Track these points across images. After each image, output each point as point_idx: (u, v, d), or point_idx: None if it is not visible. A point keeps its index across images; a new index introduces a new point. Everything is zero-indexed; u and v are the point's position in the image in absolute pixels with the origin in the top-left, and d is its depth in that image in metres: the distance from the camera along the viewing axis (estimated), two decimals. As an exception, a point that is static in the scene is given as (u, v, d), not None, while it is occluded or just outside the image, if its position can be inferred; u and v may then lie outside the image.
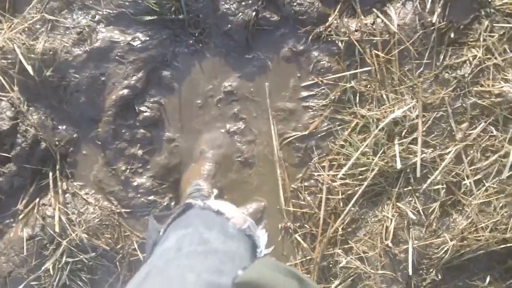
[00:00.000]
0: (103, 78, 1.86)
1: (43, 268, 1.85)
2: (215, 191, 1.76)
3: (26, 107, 1.86)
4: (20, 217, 1.87)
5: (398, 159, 1.75)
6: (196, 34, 1.91)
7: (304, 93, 1.91)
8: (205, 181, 1.81)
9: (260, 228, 1.53)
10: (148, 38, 1.87)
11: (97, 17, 1.88)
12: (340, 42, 1.86)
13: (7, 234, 1.90)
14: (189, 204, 1.13)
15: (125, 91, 1.86)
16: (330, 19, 1.87)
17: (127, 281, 1.85)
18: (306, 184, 1.91)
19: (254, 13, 1.85)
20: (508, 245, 1.78)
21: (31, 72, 1.79)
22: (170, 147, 1.92)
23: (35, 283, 1.87)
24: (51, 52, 1.83)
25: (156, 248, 1.04)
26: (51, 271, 1.85)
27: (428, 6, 1.80)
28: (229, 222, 1.08)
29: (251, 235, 1.12)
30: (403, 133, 1.81)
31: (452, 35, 1.83)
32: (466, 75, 1.81)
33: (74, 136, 1.92)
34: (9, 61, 1.83)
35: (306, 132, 1.90)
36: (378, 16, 1.84)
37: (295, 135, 1.91)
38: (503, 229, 1.79)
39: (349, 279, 1.85)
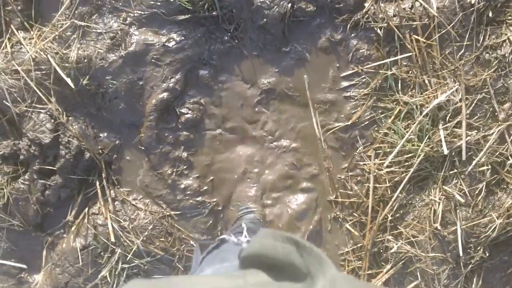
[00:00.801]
0: (141, 83, 1.89)
1: (99, 276, 1.94)
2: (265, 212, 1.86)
3: (66, 117, 1.89)
4: (72, 228, 1.93)
5: (444, 145, 1.82)
6: (231, 30, 1.92)
7: (345, 83, 1.95)
8: (254, 202, 1.89)
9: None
10: (183, 38, 1.88)
11: (129, 19, 1.88)
12: (378, 29, 1.89)
13: (59, 245, 1.97)
14: (223, 239, 1.21)
15: (165, 94, 1.88)
16: (366, 5, 1.89)
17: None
18: (352, 173, 1.98)
19: (290, 5, 1.87)
20: (553, 218, 1.89)
21: (69, 82, 1.80)
22: (214, 145, 1.97)
23: (93, 291, 1.95)
24: (85, 60, 1.84)
25: None
26: (108, 278, 1.93)
27: (467, -14, 1.82)
28: None
29: None
30: (447, 117, 1.88)
31: (490, 14, 1.86)
32: (506, 54, 1.86)
33: (117, 142, 1.96)
34: (44, 72, 1.85)
35: (349, 123, 1.96)
36: (416, 0, 1.86)
37: (338, 126, 1.96)
38: (547, 204, 1.89)
39: (400, 263, 1.96)
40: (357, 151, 1.97)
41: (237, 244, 1.18)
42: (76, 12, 1.87)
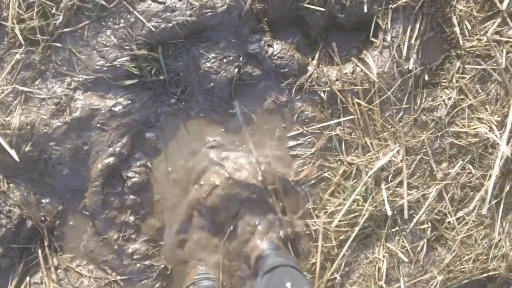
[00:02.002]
0: (86, 148, 1.97)
1: None
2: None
3: (6, 184, 1.93)
4: (13, 300, 1.95)
5: (387, 205, 2.01)
6: (178, 93, 2.06)
7: (291, 142, 2.11)
8: (215, 269, 2.05)
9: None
10: (129, 102, 2.00)
11: (73, 84, 1.97)
12: (322, 92, 2.07)
13: (-2, 317, 1.98)
14: None
15: (111, 159, 1.97)
16: (310, 69, 2.06)
17: None
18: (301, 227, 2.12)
19: (236, 70, 2.02)
20: (490, 273, 2.09)
21: (12, 154, 1.87)
22: (162, 206, 2.06)
23: None
24: (28, 127, 1.91)
25: None
26: None
27: (404, 53, 2.03)
28: None
29: None
30: (389, 177, 2.06)
31: (426, 77, 2.09)
32: (442, 116, 2.07)
33: (60, 208, 2.03)
34: (-17, 139, 1.88)
35: (297, 178, 2.09)
36: (357, 65, 2.04)
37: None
38: (484, 259, 2.09)
39: (348, 321, 2.10)
40: (305, 207, 2.11)
41: None
42: (18, 77, 1.95)
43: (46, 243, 2.01)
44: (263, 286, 1.76)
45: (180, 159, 2.09)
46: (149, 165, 2.06)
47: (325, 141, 2.10)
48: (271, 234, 2.07)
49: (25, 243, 1.99)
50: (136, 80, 1.98)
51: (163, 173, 2.08)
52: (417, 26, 2.03)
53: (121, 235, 2.03)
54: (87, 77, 1.97)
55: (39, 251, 1.99)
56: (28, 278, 1.99)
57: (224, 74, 2.02)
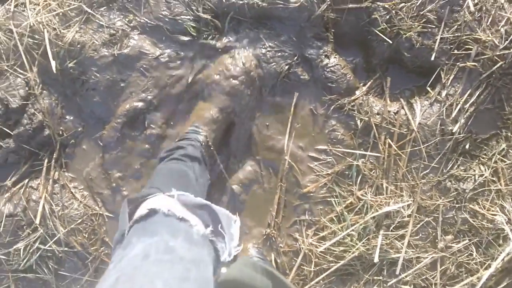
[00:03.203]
0: (122, 84, 2.12)
1: (14, 247, 2.16)
2: (209, 139, 2.01)
3: (40, 90, 2.11)
4: (6, 194, 2.14)
5: (377, 254, 2.06)
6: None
7: (313, 154, 2.17)
8: (205, 125, 2.04)
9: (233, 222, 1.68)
10: (177, 58, 2.10)
11: (133, 22, 2.11)
12: (359, 120, 2.12)
13: (-12, 203, 2.18)
14: (153, 210, 1.26)
15: (140, 104, 2.11)
16: (357, 92, 2.12)
17: (91, 283, 2.17)
18: (287, 239, 2.20)
19: (287, 67, 2.10)
20: None
21: (52, 65, 2.03)
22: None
23: (3, 257, 2.17)
24: (78, 45, 2.08)
25: (118, 251, 1.21)
26: (21, 252, 2.16)
27: (454, 114, 2.06)
28: (193, 229, 1.23)
29: (213, 241, 1.29)
30: (391, 227, 2.10)
31: (467, 146, 2.09)
32: (467, 190, 2.09)
33: (79, 130, 2.20)
34: (36, 41, 2.07)
35: (303, 191, 2.17)
36: (403, 107, 2.09)
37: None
38: None
39: None
40: (299, 218, 2.19)
41: (168, 215, 1.23)
42: (88, -3, 2.09)
43: (55, 155, 2.18)
44: None
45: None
46: (172, 123, 2.19)
47: (344, 167, 2.16)
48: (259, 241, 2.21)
49: (37, 148, 2.17)
50: (190, 38, 2.11)
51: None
52: (477, 93, 2.05)
53: (122, 175, 2.18)
54: (148, 21, 2.11)
55: (46, 160, 2.18)
56: (26, 181, 2.18)
57: (274, 66, 2.11)
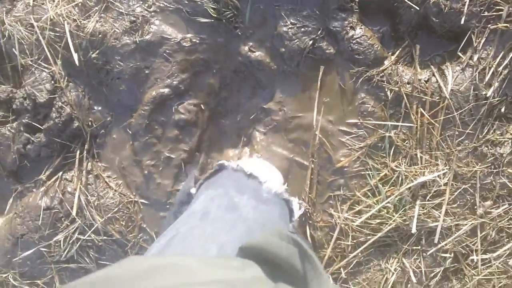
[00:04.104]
0: (147, 71, 2.16)
1: (54, 239, 2.27)
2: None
3: (66, 82, 2.18)
4: (42, 187, 2.24)
5: (414, 224, 2.10)
6: (250, 44, 2.17)
7: (345, 128, 2.20)
8: None
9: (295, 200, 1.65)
10: (199, 41, 2.14)
11: (153, 7, 2.15)
12: (389, 91, 2.14)
13: (26, 198, 2.29)
14: (222, 164, 1.32)
15: (166, 90, 2.16)
16: (386, 63, 2.13)
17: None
18: (323, 215, 2.26)
19: (311, 42, 2.11)
20: (495, 323, 2.18)
21: (75, 57, 2.09)
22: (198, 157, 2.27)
23: (44, 249, 2.29)
24: (100, 35, 2.12)
25: (183, 208, 1.25)
26: (62, 243, 2.27)
27: (487, 78, 2.06)
28: (263, 186, 1.24)
29: (288, 200, 1.30)
30: (428, 197, 2.14)
31: (502, 109, 2.10)
32: (505, 154, 2.11)
33: (108, 119, 2.26)
34: (57, 34, 2.13)
35: (336, 167, 2.22)
36: (434, 75, 2.10)
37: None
38: (495, 308, 2.17)
39: (339, 317, 2.27)
40: (334, 193, 2.24)
41: (236, 170, 1.27)
42: (105, -15, 2.13)
43: (86, 146, 2.26)
44: None
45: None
46: (202, 107, 2.24)
47: (376, 140, 2.19)
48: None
49: (68, 140, 2.25)
50: (211, 20, 2.14)
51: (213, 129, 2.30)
52: (511, 55, 2.03)
53: (153, 163, 2.25)
54: (168, 5, 2.14)
55: (78, 152, 2.26)
56: (60, 173, 2.27)
57: (298, 43, 2.12)
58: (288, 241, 0.86)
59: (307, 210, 2.24)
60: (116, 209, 2.27)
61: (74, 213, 2.20)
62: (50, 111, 2.19)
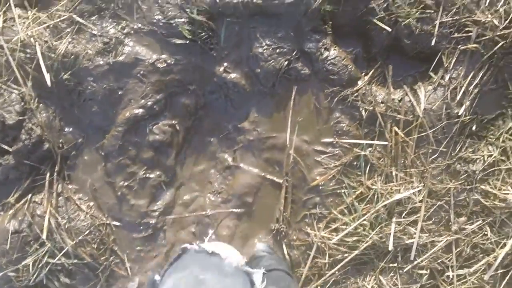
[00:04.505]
0: (120, 92, 2.16)
1: (23, 263, 2.22)
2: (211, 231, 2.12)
3: (37, 103, 2.15)
4: (10, 211, 2.19)
5: (391, 241, 2.13)
6: (225, 65, 2.19)
7: (319, 148, 2.23)
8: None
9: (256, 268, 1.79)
10: (173, 62, 2.15)
11: (127, 29, 2.15)
12: (363, 110, 2.18)
13: (-7, 222, 2.23)
14: (184, 248, 1.39)
15: (140, 111, 2.16)
16: (359, 83, 2.18)
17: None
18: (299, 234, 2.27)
19: (286, 62, 2.15)
20: None
21: (47, 78, 2.07)
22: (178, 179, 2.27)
23: (12, 274, 2.23)
24: (72, 56, 2.11)
25: None
26: (30, 267, 2.22)
27: (458, 97, 2.13)
28: (225, 261, 1.32)
29: (249, 272, 1.37)
30: (403, 214, 2.18)
31: (474, 127, 2.17)
32: (477, 171, 2.17)
33: (79, 140, 2.24)
34: (28, 55, 2.11)
35: (312, 184, 2.24)
36: (407, 94, 2.15)
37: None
38: (471, 324, 2.21)
39: (318, 337, 2.27)
40: (310, 212, 2.26)
41: (198, 251, 1.33)
42: (77, 7, 2.14)
43: (56, 168, 2.21)
44: None
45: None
46: (177, 127, 2.23)
47: (351, 158, 2.23)
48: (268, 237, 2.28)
49: (38, 162, 2.21)
50: (186, 41, 2.15)
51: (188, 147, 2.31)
52: (480, 74, 2.10)
53: (127, 184, 2.23)
54: (142, 27, 2.14)
55: (48, 174, 2.22)
56: (30, 196, 2.21)
57: (273, 63, 2.15)
58: None
59: (281, 229, 2.26)
60: (88, 231, 2.23)
61: (44, 236, 2.16)
62: (20, 133, 2.15)
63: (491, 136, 2.20)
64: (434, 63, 2.14)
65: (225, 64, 2.19)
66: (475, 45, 2.07)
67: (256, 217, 2.30)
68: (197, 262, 1.31)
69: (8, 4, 2.13)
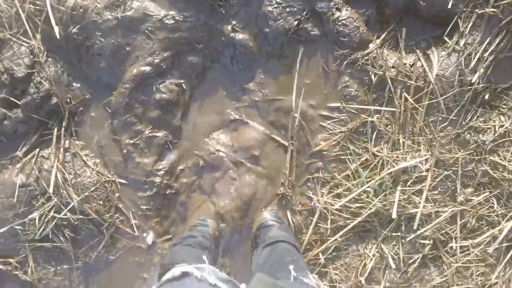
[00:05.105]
0: (128, 48, 2.14)
1: (29, 216, 2.24)
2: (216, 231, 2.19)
3: (45, 57, 2.15)
4: (18, 164, 2.21)
5: (395, 209, 2.10)
6: (234, 23, 2.15)
7: (325, 113, 2.19)
8: (212, 219, 2.24)
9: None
10: (182, 18, 2.12)
11: (136, -17, 2.11)
12: (373, 74, 2.13)
13: (1, 174, 2.26)
14: (186, 273, 1.38)
15: (147, 68, 2.14)
16: (371, 46, 2.13)
17: (108, 247, 2.27)
18: (301, 199, 2.26)
19: (296, 22, 2.10)
20: (473, 311, 2.20)
21: (56, 30, 2.06)
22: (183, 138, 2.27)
23: (19, 227, 2.26)
24: (81, 10, 2.09)
25: None
26: (37, 222, 2.24)
27: (473, 63, 2.06)
28: None
29: None
30: (408, 182, 2.14)
31: (486, 96, 2.11)
32: (487, 142, 2.12)
33: (87, 96, 2.24)
34: (37, 7, 2.09)
35: (315, 149, 2.21)
36: (419, 59, 2.09)
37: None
38: (473, 296, 2.19)
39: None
40: (312, 176, 2.24)
41: (200, 280, 1.32)
42: (87, -41, 2.10)
43: (64, 124, 2.23)
44: (262, 258, 1.88)
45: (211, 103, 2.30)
46: (184, 86, 2.22)
47: (358, 124, 2.19)
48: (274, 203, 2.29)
49: (46, 117, 2.22)
50: (196, -3, 2.12)
51: (195, 106, 2.29)
52: (497, 40, 2.03)
53: (133, 141, 2.23)
54: (151, -20, 2.13)
55: (55, 129, 2.23)
56: (37, 150, 2.24)
57: (282, 23, 2.10)
58: None
59: (286, 194, 2.25)
60: (93, 188, 2.24)
61: (50, 190, 2.18)
62: (28, 87, 2.15)
63: (503, 106, 2.14)
64: (450, 27, 2.07)
65: (234, 22, 2.15)
66: (493, 9, 1.98)
67: (267, 173, 2.30)
68: None
69: (18, -45, 2.12)
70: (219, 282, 1.33)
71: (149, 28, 2.12)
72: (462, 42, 2.07)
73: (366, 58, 2.13)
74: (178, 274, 1.34)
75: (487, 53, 2.05)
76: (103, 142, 2.26)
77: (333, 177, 2.23)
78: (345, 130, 2.19)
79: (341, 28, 2.11)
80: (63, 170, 2.22)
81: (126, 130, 2.22)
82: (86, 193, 2.23)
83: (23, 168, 2.24)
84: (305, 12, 2.11)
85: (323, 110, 2.20)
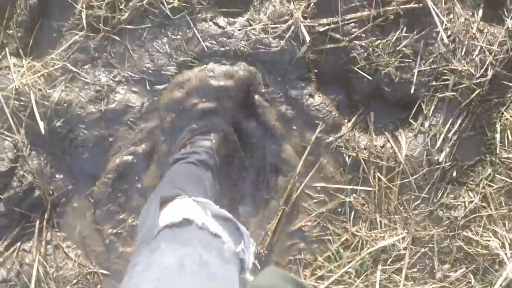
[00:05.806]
0: (110, 139, 2.20)
1: (10, 314, 2.17)
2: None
3: (29, 150, 2.18)
4: (-1, 259, 2.19)
5: None
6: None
7: (310, 192, 2.25)
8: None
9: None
10: (163, 110, 2.20)
11: (118, 77, 2.22)
12: (347, 156, 2.22)
13: (-20, 270, 2.21)
14: (187, 220, 1.29)
15: (130, 158, 2.20)
16: (343, 129, 2.23)
17: None
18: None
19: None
20: None
21: (41, 126, 2.12)
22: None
23: (-1, 321, 2.19)
24: (65, 104, 2.17)
25: (145, 252, 1.22)
26: (18, 318, 2.17)
27: (438, 143, 2.17)
28: (225, 246, 1.28)
29: (243, 259, 1.34)
30: (388, 261, 2.19)
31: (454, 174, 2.21)
32: (459, 217, 2.19)
33: (70, 187, 2.26)
34: (22, 103, 2.16)
35: (293, 228, 2.25)
36: (388, 141, 2.21)
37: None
38: None
39: None
40: (294, 257, 2.26)
41: (201, 228, 1.26)
42: (71, 56, 2.20)
43: (46, 216, 2.23)
44: None
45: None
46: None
47: (336, 205, 2.26)
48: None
49: (28, 210, 2.22)
50: (176, 91, 2.22)
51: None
52: (459, 121, 2.17)
53: (115, 231, 2.24)
54: (132, 75, 2.21)
55: (37, 222, 2.23)
56: (19, 244, 2.22)
57: (259, 111, 2.23)
58: (293, 283, 0.91)
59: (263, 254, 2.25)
60: (75, 280, 2.22)
61: (32, 286, 2.14)
62: (11, 180, 2.17)
63: (471, 182, 2.24)
64: (414, 110, 2.21)
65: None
66: (452, 93, 2.14)
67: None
68: (199, 240, 1.24)
69: (3, 53, 2.21)
70: (219, 227, 1.30)
71: (131, 119, 2.20)
72: (426, 124, 2.20)
73: (339, 140, 2.23)
74: (178, 220, 1.27)
75: (451, 133, 2.18)
76: (85, 232, 2.26)
77: (315, 258, 2.26)
78: (324, 211, 2.24)
79: (315, 113, 2.21)
80: (45, 263, 2.20)
81: (108, 220, 2.23)
82: (68, 287, 2.20)
83: (3, 262, 2.20)
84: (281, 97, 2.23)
85: (308, 189, 2.27)
